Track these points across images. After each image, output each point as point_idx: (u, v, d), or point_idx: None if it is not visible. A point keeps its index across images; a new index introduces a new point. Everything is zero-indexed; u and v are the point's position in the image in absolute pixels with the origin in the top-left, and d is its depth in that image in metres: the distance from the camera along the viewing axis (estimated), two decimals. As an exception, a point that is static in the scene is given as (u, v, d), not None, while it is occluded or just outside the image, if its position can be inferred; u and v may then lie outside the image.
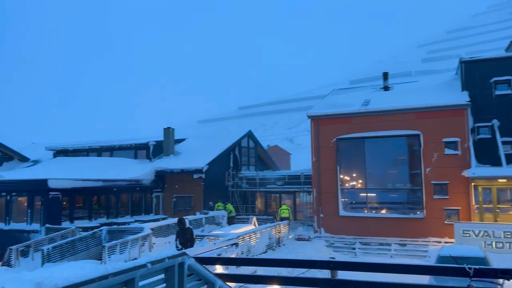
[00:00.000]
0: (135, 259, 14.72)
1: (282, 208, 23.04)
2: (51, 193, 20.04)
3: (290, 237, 19.96)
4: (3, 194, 21.22)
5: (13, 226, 20.74)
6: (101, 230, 17.67)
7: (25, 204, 20.79)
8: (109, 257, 14.87)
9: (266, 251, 16.61)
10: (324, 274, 9.37)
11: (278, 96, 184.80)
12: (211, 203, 25.25)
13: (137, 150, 28.29)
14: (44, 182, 19.89)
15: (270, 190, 27.43)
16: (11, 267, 15.92)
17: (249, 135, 31.34)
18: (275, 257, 10.98)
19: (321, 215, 21.74)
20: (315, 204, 22.13)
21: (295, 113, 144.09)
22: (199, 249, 12.43)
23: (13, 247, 16.42)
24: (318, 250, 17.66)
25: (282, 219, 21.60)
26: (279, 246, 17.95)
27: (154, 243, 17.07)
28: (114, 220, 22.15)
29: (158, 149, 27.96)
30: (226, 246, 14.20)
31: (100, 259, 15.13)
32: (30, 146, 36.15)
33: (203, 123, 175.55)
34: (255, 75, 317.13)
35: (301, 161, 51.41)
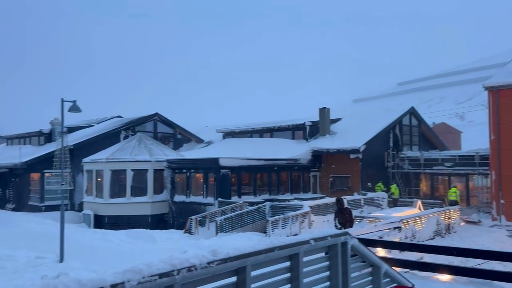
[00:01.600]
0: (296, 234, 15.31)
1: (450, 190, 20.89)
2: (222, 170, 22.24)
3: (462, 224, 17.96)
4: (184, 171, 24.49)
5: (192, 198, 23.80)
6: (264, 206, 18.89)
7: (201, 180, 23.60)
8: (272, 231, 15.81)
9: (434, 238, 15.29)
10: (507, 267, 8.09)
11: (445, 68, 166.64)
12: (369, 184, 24.47)
13: (294, 131, 29.16)
14: (216, 160, 22.17)
15: (437, 172, 25.06)
16: (192, 234, 18.35)
17: (412, 112, 29.10)
18: (444, 245, 9.97)
19: (502, 201, 18.90)
20: (494, 188, 19.34)
21: (466, 86, 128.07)
22: (358, 230, 12.16)
23: (193, 217, 18.87)
24: (498, 240, 15.44)
25: (451, 203, 19.57)
26: (449, 233, 16.31)
27: (313, 221, 17.45)
28: (276, 197, 23.42)
29: (314, 130, 28.27)
30: (387, 229, 13.57)
31: (265, 232, 16.21)
32: (204, 129, 40.81)
33: (358, 102, 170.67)
34: (416, 45, 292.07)
35: (474, 139, 45.78)
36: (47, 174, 26.09)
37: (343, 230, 4.50)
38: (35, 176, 27.38)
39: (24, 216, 23.99)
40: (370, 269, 4.85)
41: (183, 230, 18.91)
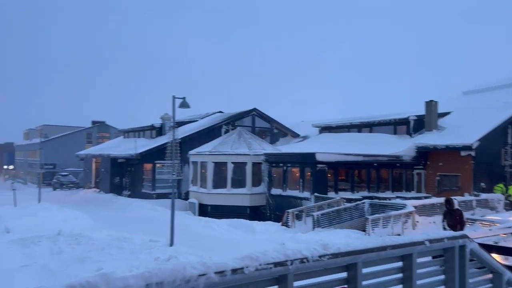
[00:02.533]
0: (398, 235, 14.61)
1: None
2: (318, 165, 22.10)
3: None
4: (281, 164, 24.87)
5: (288, 192, 24.07)
6: (363, 203, 18.33)
7: (297, 174, 23.72)
8: (372, 230, 15.29)
9: None
10: None
11: None
12: (482, 184, 22.27)
13: (397, 126, 27.70)
14: (312, 155, 22.10)
15: None
16: (288, 227, 18.58)
17: (535, 105, 25.71)
18: None
19: None
20: None
21: None
22: (471, 233, 11.18)
23: (290, 210, 19.10)
24: None
25: None
26: None
27: (417, 221, 16.48)
28: (375, 194, 22.56)
29: (419, 124, 26.55)
30: (504, 234, 12.25)
31: (364, 230, 15.75)
32: (300, 124, 40.88)
33: (469, 95, 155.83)
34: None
35: None
36: (158, 165, 28.53)
37: (461, 233, 4.19)
38: (147, 166, 30.09)
39: (139, 202, 26.60)
40: (490, 275, 4.45)
41: (280, 223, 19.23)
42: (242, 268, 2.61)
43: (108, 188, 33.98)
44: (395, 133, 27.57)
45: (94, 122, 59.10)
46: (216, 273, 2.46)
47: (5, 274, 10.20)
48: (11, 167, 74.10)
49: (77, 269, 10.40)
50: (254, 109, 33.38)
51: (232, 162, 24.44)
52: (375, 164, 23.61)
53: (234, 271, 2.57)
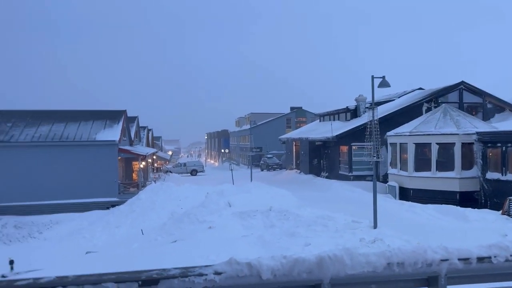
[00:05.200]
0: None
1: None
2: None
3: None
4: (498, 145, 21.43)
5: (509, 177, 20.60)
6: None
7: (522, 155, 20.04)
8: None
9: None
10: None
11: None
12: None
13: None
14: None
15: None
16: (511, 216, 15.97)
17: None
18: None
19: None
20: None
21: None
22: None
23: (513, 197, 16.33)
24: None
25: None
26: None
27: None
28: None
29: None
30: None
31: None
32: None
33: None
34: None
35: None
36: (354, 147, 28.52)
37: None
38: (343, 148, 30.42)
39: (337, 183, 27.21)
40: None
41: (500, 212, 16.70)
42: (489, 257, 2.31)
43: (308, 169, 35.87)
44: None
45: (292, 108, 63.10)
46: (460, 259, 2.24)
47: (231, 242, 11.90)
48: (226, 150, 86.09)
49: (288, 242, 11.34)
50: (462, 82, 29.65)
51: (437, 143, 22.35)
52: None
53: (480, 259, 2.30)
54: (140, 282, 1.85)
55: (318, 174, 34.13)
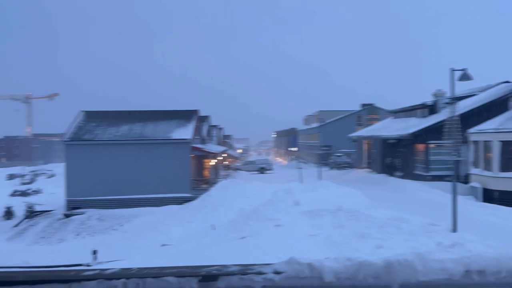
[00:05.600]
0: None
1: None
2: None
3: None
4: None
5: None
6: None
7: None
8: None
9: None
10: None
11: None
12: None
13: None
14: None
15: None
16: None
17: None
18: None
19: None
20: None
21: None
22: None
23: None
24: None
25: None
26: None
27: None
28: None
29: None
30: None
31: None
32: None
33: None
34: None
35: None
36: (431, 145, 26.88)
37: None
38: (420, 146, 28.80)
39: (412, 184, 25.85)
40: None
41: None
42: None
43: (380, 169, 34.52)
44: None
45: (363, 105, 61.16)
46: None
47: (298, 241, 11.78)
48: (295, 149, 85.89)
49: (357, 244, 10.95)
50: (557, 74, 26.64)
51: (527, 141, 20.34)
52: None
53: None
54: (200, 278, 1.85)
55: (391, 173, 32.70)
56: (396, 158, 32.87)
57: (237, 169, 54.56)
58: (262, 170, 51.65)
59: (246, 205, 19.29)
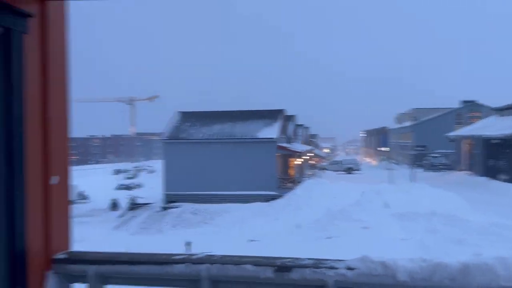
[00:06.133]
0: None
1: None
2: None
3: None
4: None
5: None
6: None
7: None
8: None
9: None
10: None
11: None
12: None
13: None
14: None
15: None
16: None
17: None
18: None
19: None
20: None
21: None
22: None
23: None
24: None
25: None
26: None
27: None
28: None
29: None
30: None
31: None
32: None
33: None
34: None
35: None
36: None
37: None
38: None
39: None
40: None
41: None
42: None
43: (482, 171, 31.63)
44: None
45: (463, 102, 56.43)
46: None
47: (387, 244, 11.38)
48: (385, 149, 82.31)
49: (452, 250, 10.26)
50: None
51: None
52: None
53: None
54: (276, 268, 1.97)
55: (494, 176, 29.78)
56: (500, 159, 29.87)
57: (323, 168, 53.95)
58: (349, 170, 50.41)
59: (332, 205, 19.08)
